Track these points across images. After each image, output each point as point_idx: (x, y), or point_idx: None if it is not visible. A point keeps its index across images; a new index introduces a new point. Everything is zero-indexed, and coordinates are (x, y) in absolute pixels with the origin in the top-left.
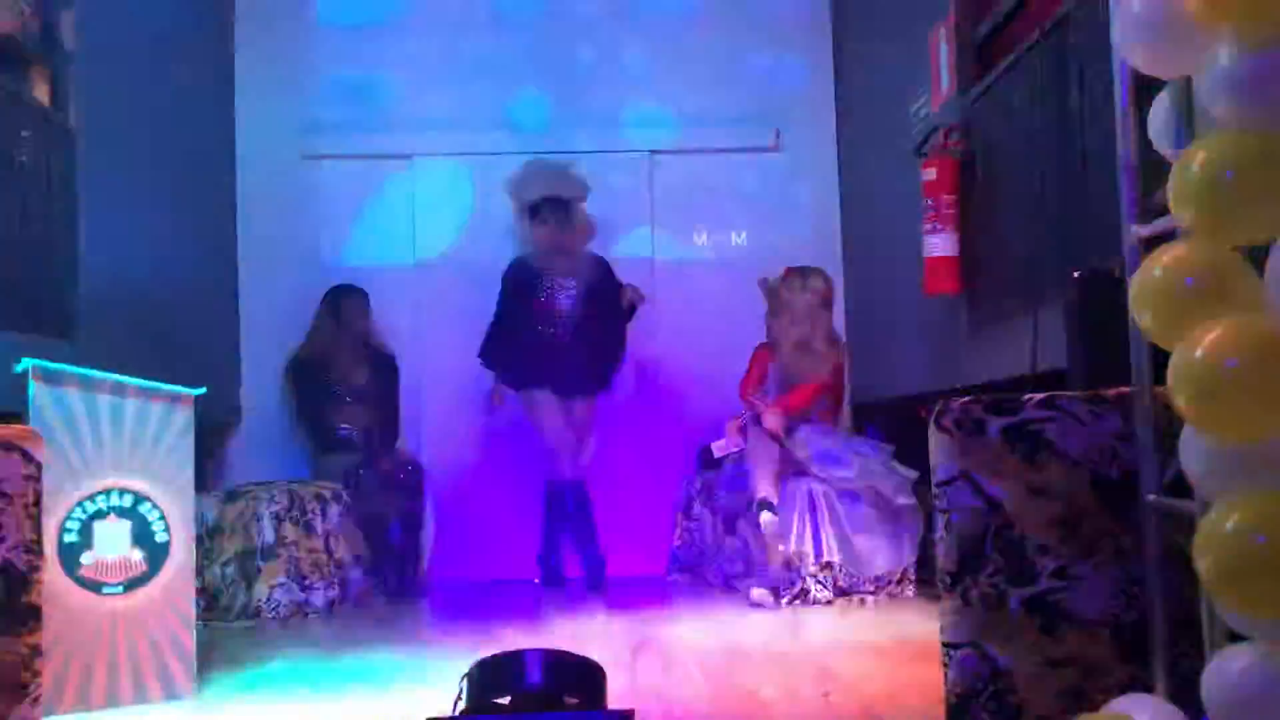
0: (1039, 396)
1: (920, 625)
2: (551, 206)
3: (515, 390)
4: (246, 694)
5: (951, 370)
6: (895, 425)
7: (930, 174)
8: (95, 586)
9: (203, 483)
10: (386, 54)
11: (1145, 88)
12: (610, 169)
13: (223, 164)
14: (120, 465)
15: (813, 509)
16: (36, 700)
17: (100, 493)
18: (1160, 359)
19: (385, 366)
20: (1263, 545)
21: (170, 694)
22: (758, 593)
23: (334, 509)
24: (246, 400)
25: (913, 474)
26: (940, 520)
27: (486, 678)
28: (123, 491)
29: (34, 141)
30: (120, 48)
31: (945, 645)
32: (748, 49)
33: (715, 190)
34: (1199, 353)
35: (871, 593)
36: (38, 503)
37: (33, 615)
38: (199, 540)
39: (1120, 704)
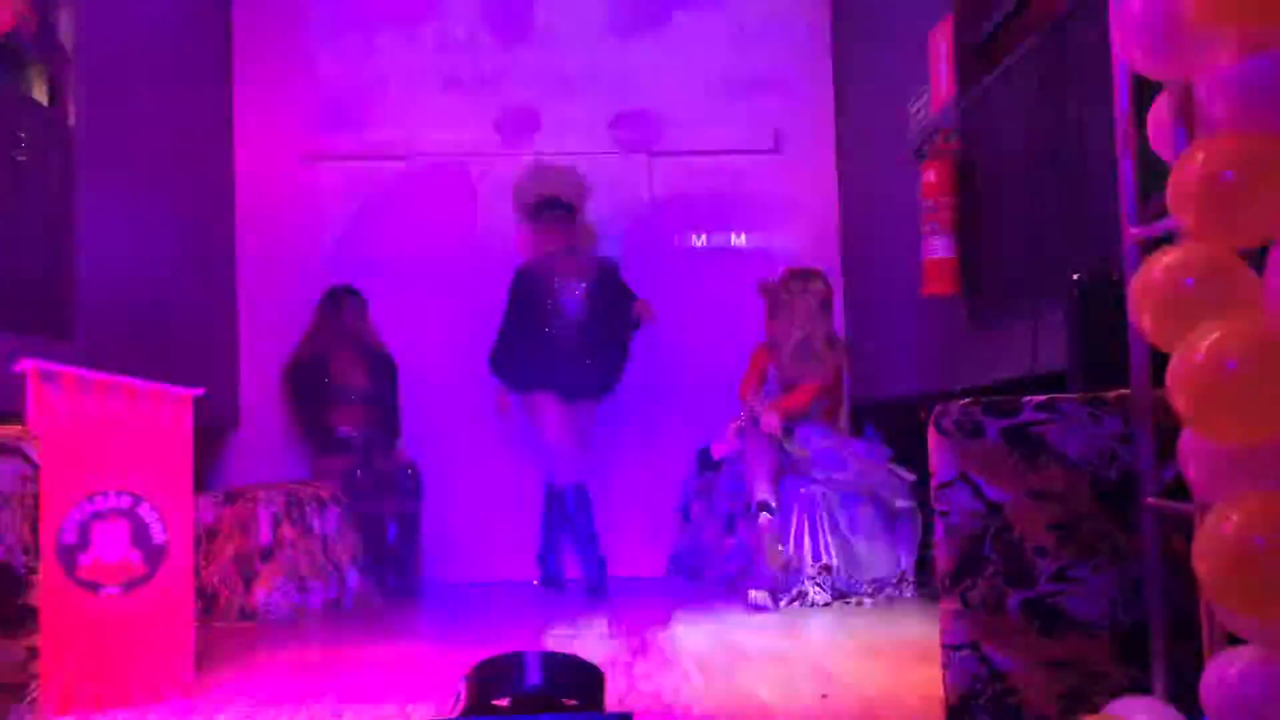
0: (1038, 399)
1: (919, 627)
2: (553, 208)
3: (518, 393)
4: (245, 695)
5: (950, 372)
6: (894, 427)
7: (929, 176)
8: (93, 587)
9: (201, 484)
10: (385, 55)
11: (1144, 90)
12: (609, 170)
13: (222, 165)
14: (118, 466)
15: (811, 511)
16: (34, 702)
17: (98, 494)
18: (1159, 361)
19: (384, 367)
20: (1262, 547)
21: (169, 695)
22: (756, 594)
23: (332, 510)
24: (245, 401)
25: (911, 476)
26: (940, 522)
27: (485, 680)
28: (121, 492)
29: (33, 141)
30: (120, 48)
31: (945, 647)
32: (747, 50)
33: (714, 192)
34: (1198, 355)
35: (870, 595)
36: (36, 504)
37: (30, 616)
38: (197, 541)
39: (1119, 706)
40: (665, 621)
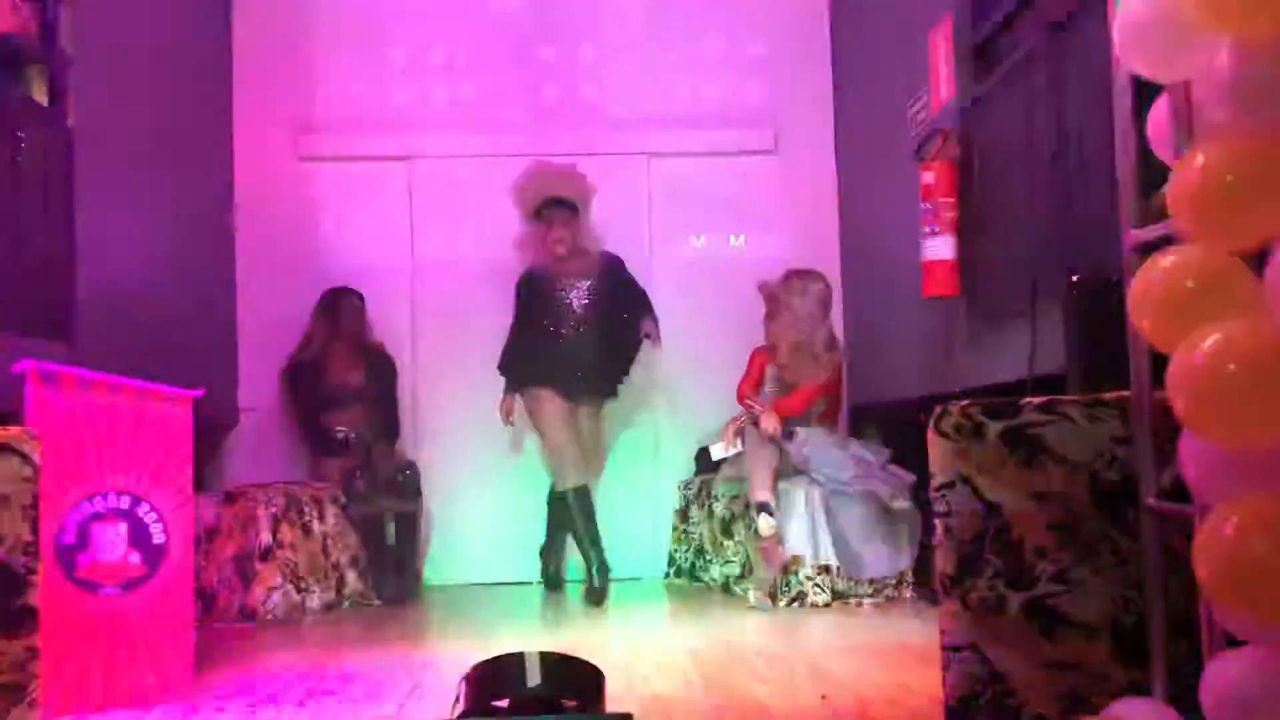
0: (1038, 400)
1: (918, 628)
2: (556, 208)
3: (519, 390)
4: (245, 695)
5: (949, 374)
6: (893, 428)
7: (928, 177)
8: (93, 588)
9: (200, 484)
10: (384, 55)
11: (1144, 91)
12: (608, 171)
13: (221, 165)
14: (118, 467)
15: (811, 512)
16: (34, 703)
17: (98, 494)
18: (1159, 363)
19: (383, 368)
20: (1261, 549)
21: (168, 696)
22: (755, 595)
23: (331, 511)
24: (244, 402)
25: (910, 477)
26: (939, 524)
27: (485, 680)
28: (120, 493)
29: (33, 141)
30: (119, 48)
31: (944, 648)
32: (746, 51)
33: (713, 193)
34: (1198, 357)
35: (869, 596)
36: (35, 505)
37: (30, 617)
38: (197, 541)
39: (1119, 708)
40: (664, 622)
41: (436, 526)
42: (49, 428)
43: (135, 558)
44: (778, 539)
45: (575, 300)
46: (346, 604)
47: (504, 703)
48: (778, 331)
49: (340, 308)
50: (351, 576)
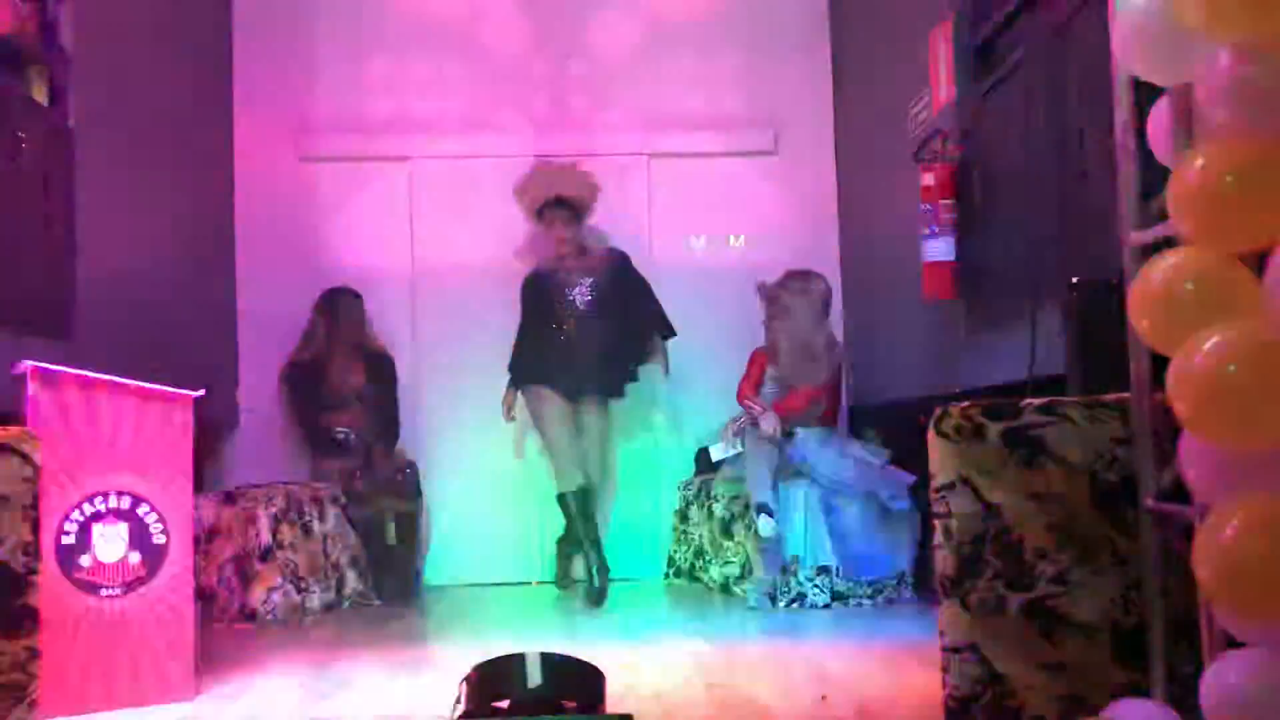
0: (1038, 402)
1: (918, 629)
2: (558, 208)
3: (520, 388)
4: (245, 696)
5: (949, 375)
6: (893, 429)
7: (928, 179)
8: (93, 589)
9: (200, 484)
10: (384, 56)
11: (1144, 94)
12: (608, 172)
13: (221, 165)
14: (118, 467)
15: (810, 513)
16: (34, 703)
17: (98, 495)
18: (1159, 364)
19: (382, 368)
20: (1261, 551)
21: (168, 697)
22: (755, 596)
23: (331, 511)
24: (244, 402)
25: (910, 478)
26: (939, 525)
27: (485, 681)
28: (120, 494)
29: (33, 141)
30: (119, 48)
31: (944, 649)
32: (746, 52)
33: (713, 194)
34: (1198, 359)
35: (868, 596)
36: (35, 505)
37: (30, 618)
38: (196, 542)
39: (1118, 709)
40: (664, 623)
41: (436, 526)
42: (49, 428)
43: (135, 558)
44: (777, 540)
45: (579, 298)
46: (346, 604)
47: (504, 703)
48: (779, 332)
49: (339, 308)
50: (352, 576)
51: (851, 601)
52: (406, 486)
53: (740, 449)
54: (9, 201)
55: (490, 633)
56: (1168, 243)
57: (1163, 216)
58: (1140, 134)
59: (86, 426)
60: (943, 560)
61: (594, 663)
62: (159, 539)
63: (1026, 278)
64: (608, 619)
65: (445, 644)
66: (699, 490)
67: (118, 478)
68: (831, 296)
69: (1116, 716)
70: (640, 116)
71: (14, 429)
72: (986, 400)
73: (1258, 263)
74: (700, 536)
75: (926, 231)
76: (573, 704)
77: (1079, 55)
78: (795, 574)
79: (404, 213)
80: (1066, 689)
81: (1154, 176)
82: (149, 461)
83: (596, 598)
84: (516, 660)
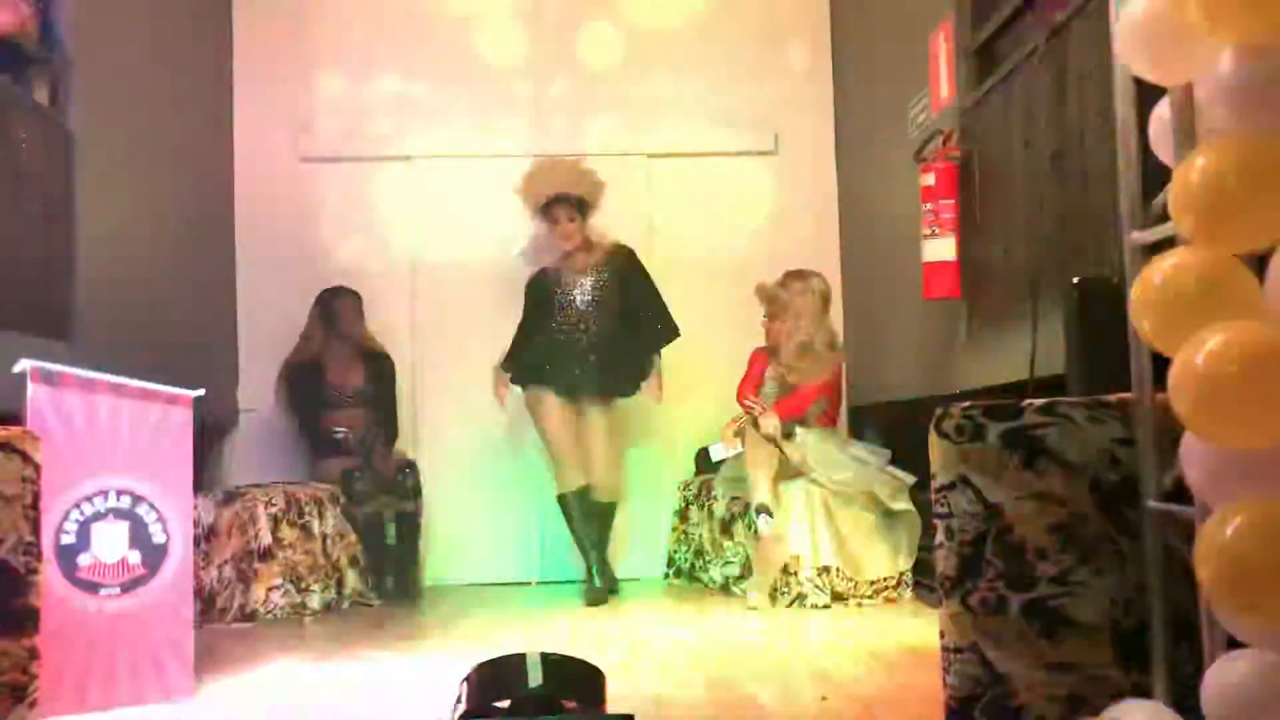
0: (1039, 402)
1: (918, 630)
2: (562, 205)
3: (521, 387)
4: (244, 696)
5: (950, 375)
6: (893, 429)
7: (929, 179)
8: (93, 588)
9: (200, 484)
10: (384, 56)
11: (1145, 94)
12: (608, 172)
13: (221, 165)
14: (118, 467)
15: (810, 512)
16: (34, 703)
17: (98, 494)
18: (1160, 365)
19: (381, 367)
20: (1263, 551)
21: (168, 696)
22: (755, 596)
23: (331, 511)
24: (244, 402)
25: (910, 478)
26: (940, 525)
27: (486, 681)
28: (120, 493)
29: (33, 141)
30: (120, 49)
31: (944, 650)
32: (747, 52)
33: (714, 194)
34: (1200, 359)
35: (869, 596)
36: (35, 504)
37: (30, 617)
38: (197, 541)
39: (1119, 710)
40: (664, 623)
41: (436, 526)
42: (50, 427)
43: (135, 557)
44: (777, 540)
45: (580, 297)
46: (347, 604)
47: (505, 703)
48: (780, 332)
49: (336, 307)
50: (351, 576)
51: (851, 601)
52: (406, 486)
53: (740, 449)
54: (9, 201)
55: (490, 632)
56: (1169, 243)
57: (1164, 216)
58: (1141, 133)
59: (87, 426)
60: (943, 560)
61: (594, 663)
62: (159, 538)
63: (1027, 278)
64: (608, 619)
65: (445, 644)
66: (699, 490)
67: (118, 477)
68: (830, 293)
69: (1117, 717)
70: (641, 115)
71: (14, 428)
72: (987, 400)
73: (1259, 263)
74: (700, 536)
75: (927, 231)
76: (573, 704)
77: (1080, 54)
78: (795, 573)
79: (404, 213)
80: (1067, 689)
81: (1155, 176)
82: (149, 461)
83: (597, 598)
84: (517, 660)
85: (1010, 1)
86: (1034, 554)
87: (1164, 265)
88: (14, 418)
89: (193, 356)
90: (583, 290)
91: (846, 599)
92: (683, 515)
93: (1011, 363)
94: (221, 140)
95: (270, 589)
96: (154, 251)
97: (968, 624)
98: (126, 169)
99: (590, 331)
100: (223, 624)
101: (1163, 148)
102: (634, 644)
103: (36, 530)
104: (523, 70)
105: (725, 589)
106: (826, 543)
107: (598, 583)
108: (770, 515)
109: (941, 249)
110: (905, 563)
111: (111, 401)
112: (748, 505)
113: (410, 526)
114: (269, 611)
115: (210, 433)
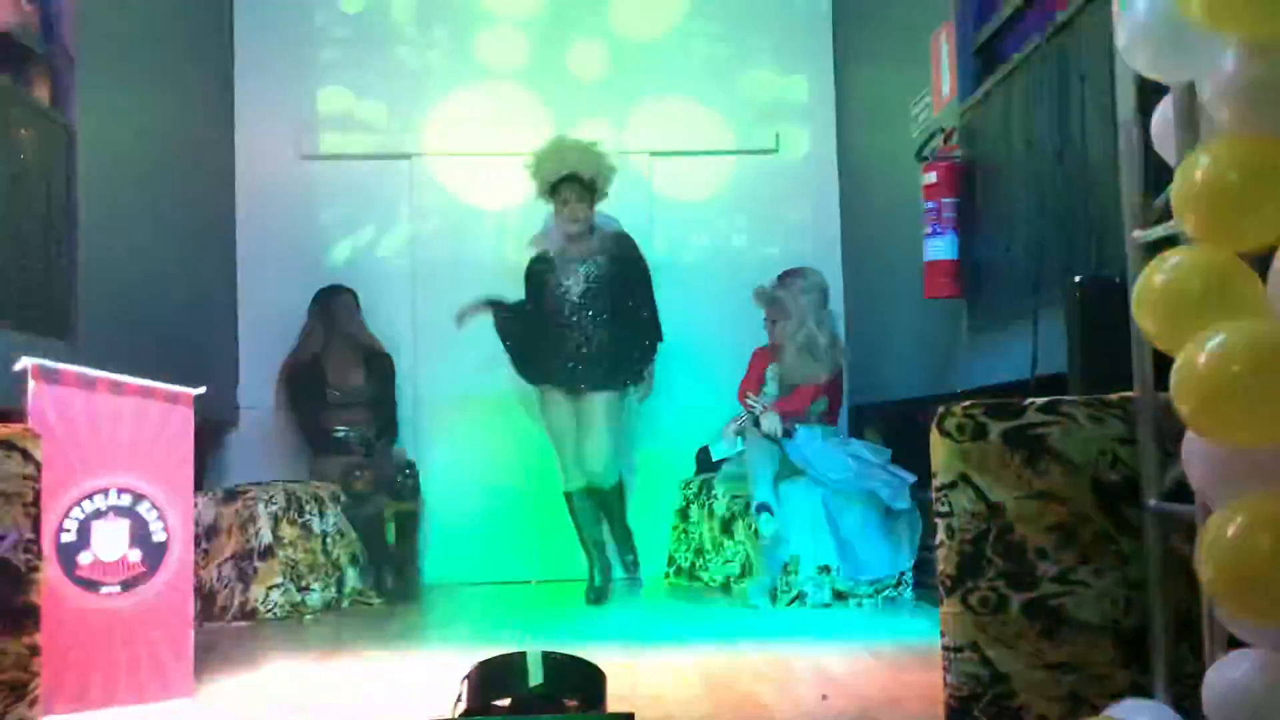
0: (1040, 401)
1: (918, 629)
2: (572, 185)
3: (532, 384)
4: (244, 695)
5: (951, 374)
6: (893, 428)
7: (931, 177)
8: (93, 586)
9: (201, 482)
10: (385, 54)
11: (1148, 92)
12: None
13: (222, 163)
14: (119, 465)
15: (811, 512)
16: (34, 701)
17: (99, 492)
18: (1162, 364)
19: (380, 366)
20: (1264, 551)
21: (168, 694)
22: (755, 595)
23: (332, 509)
24: (245, 400)
25: (911, 477)
26: (941, 524)
27: (486, 679)
28: (121, 491)
29: (34, 141)
30: (120, 48)
31: (945, 649)
32: (748, 51)
33: (715, 193)
34: (1202, 358)
35: (869, 596)
36: (36, 502)
37: (31, 615)
38: (197, 540)
39: (1120, 709)
40: (665, 622)
41: (436, 526)
42: (50, 425)
43: (136, 555)
44: (778, 539)
45: (575, 286)
46: (347, 603)
47: (505, 702)
48: (782, 331)
49: (333, 306)
50: (352, 575)
51: (852, 601)
52: (406, 486)
53: (741, 447)
54: (10, 199)
55: (490, 632)
56: (1171, 241)
57: (1166, 215)
58: (1143, 132)
59: (87, 424)
60: (944, 559)
61: (594, 662)
62: (159, 536)
63: (1028, 276)
64: (608, 618)
65: (445, 643)
66: (699, 489)
67: (118, 475)
68: (828, 286)
69: (1118, 717)
70: (642, 113)
71: (15, 426)
72: (988, 399)
73: (1261, 262)
74: (700, 535)
75: (928, 230)
76: (573, 703)
77: (1082, 52)
78: (795, 573)
79: (404, 211)
80: (1068, 689)
81: (1157, 175)
82: (150, 459)
83: (598, 597)
84: (517, 659)
85: (1012, 1)
86: (1035, 553)
87: (1166, 264)
88: (15, 415)
89: (193, 355)
90: (577, 276)
91: (846, 598)
92: (683, 514)
93: (1013, 361)
94: (223, 138)
95: (270, 587)
96: (155, 249)
97: (968, 623)
98: (127, 167)
99: (587, 321)
100: (223, 622)
101: (1165, 146)
102: (634, 643)
103: (37, 528)
104: (524, 68)
105: (726, 588)
106: (827, 542)
107: (598, 581)
108: (771, 514)
109: (943, 248)
110: (905, 562)
111: (112, 399)
112: (748, 504)
113: (410, 526)
114: (269, 610)
115: (210, 431)
